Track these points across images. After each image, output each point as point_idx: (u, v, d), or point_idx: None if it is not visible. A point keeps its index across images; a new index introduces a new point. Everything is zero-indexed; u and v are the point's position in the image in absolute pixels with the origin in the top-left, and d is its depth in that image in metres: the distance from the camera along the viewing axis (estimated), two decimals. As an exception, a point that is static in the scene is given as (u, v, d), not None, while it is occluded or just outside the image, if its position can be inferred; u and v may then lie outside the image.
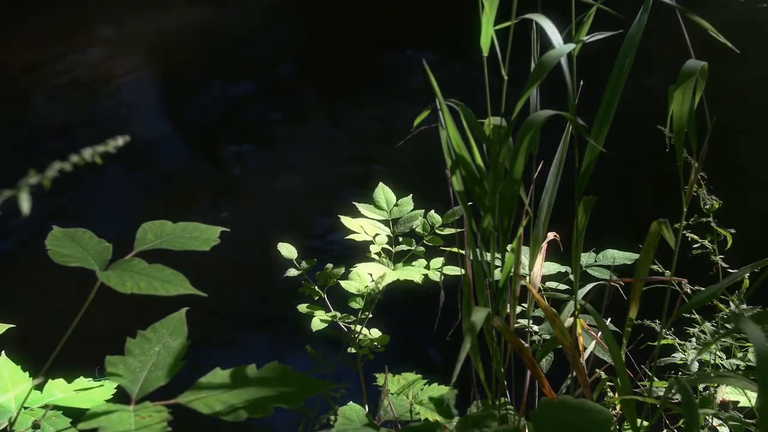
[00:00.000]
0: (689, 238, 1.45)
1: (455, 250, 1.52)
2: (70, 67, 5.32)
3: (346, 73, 5.40)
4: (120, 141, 0.68)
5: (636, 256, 1.43)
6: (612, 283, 1.43)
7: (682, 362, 1.49)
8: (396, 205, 1.72)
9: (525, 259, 1.45)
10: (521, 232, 1.21)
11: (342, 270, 1.68)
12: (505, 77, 1.17)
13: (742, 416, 1.31)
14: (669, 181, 1.30)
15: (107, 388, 1.27)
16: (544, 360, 1.50)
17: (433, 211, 1.71)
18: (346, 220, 1.70)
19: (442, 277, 1.58)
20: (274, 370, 1.01)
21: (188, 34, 5.84)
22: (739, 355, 1.46)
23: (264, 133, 4.72)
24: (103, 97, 5.03)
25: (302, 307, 1.68)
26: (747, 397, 1.46)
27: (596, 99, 1.18)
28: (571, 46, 1.10)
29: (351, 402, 1.41)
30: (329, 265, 1.69)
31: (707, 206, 1.40)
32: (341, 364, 1.56)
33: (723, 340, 1.47)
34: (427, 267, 1.66)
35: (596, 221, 1.35)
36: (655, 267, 1.44)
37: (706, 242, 1.45)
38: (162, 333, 1.07)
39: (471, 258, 1.22)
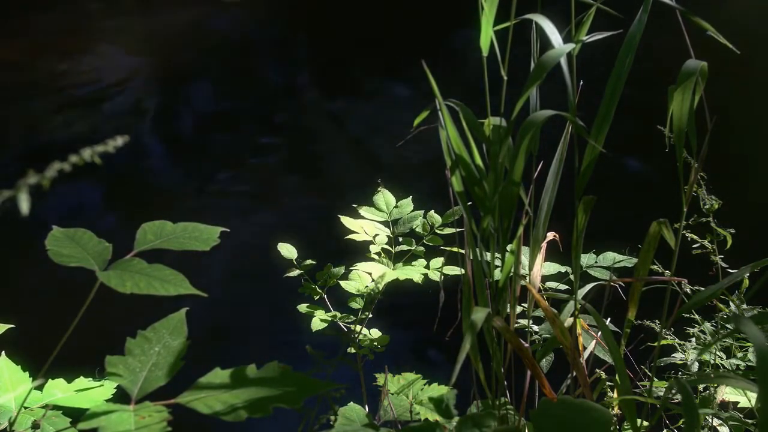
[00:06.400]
0: (689, 238, 1.45)
1: (455, 250, 1.52)
2: (72, 66, 5.32)
3: (346, 73, 5.40)
4: (119, 141, 0.68)
5: (635, 260, 1.43)
6: (612, 284, 1.42)
7: (682, 362, 1.49)
8: (396, 206, 1.73)
9: (525, 259, 1.45)
10: (521, 232, 1.21)
11: (342, 270, 1.68)
12: (505, 77, 1.17)
13: (742, 416, 1.31)
14: (669, 181, 1.30)
15: (107, 388, 1.26)
16: (544, 360, 1.50)
17: (432, 212, 1.71)
18: (347, 221, 1.70)
19: (442, 277, 1.58)
20: (274, 370, 1.01)
21: (191, 33, 5.84)
22: (739, 355, 1.46)
23: (264, 133, 4.72)
24: (105, 95, 5.03)
25: (302, 307, 1.68)
26: (747, 397, 1.46)
27: (596, 99, 1.18)
28: (570, 46, 1.10)
29: (351, 402, 1.41)
30: (329, 265, 1.69)
31: (707, 206, 1.40)
32: (341, 364, 1.56)
33: (723, 340, 1.47)
34: (427, 267, 1.66)
35: (596, 221, 1.35)
36: (655, 267, 1.44)
37: (706, 242, 1.45)
38: (162, 333, 1.07)
39: (471, 258, 1.22)
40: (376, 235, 1.69)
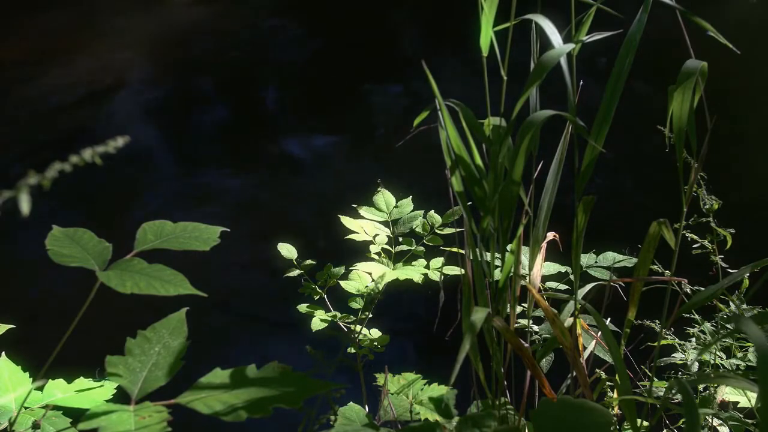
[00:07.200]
0: (689, 238, 1.45)
1: (455, 250, 1.52)
2: (74, 65, 5.32)
3: (348, 72, 5.40)
4: (120, 142, 0.68)
5: (635, 260, 1.43)
6: (612, 284, 1.42)
7: (682, 362, 1.49)
8: (396, 206, 1.73)
9: (525, 259, 1.45)
10: (521, 232, 1.21)
11: (342, 270, 1.68)
12: (505, 77, 1.17)
13: (742, 416, 1.31)
14: (669, 181, 1.30)
15: (107, 388, 1.26)
16: (544, 360, 1.50)
17: (432, 212, 1.71)
18: (347, 221, 1.70)
19: (442, 277, 1.58)
20: (274, 370, 1.01)
21: (193, 31, 5.84)
22: (739, 355, 1.46)
23: (265, 133, 4.72)
24: (106, 95, 5.03)
25: (302, 307, 1.68)
26: (747, 397, 1.46)
27: (596, 99, 1.18)
28: (570, 46, 1.10)
29: (351, 402, 1.41)
30: (329, 265, 1.69)
31: (707, 206, 1.40)
32: (341, 364, 1.56)
33: (723, 340, 1.47)
34: (427, 267, 1.66)
35: (596, 222, 1.35)
36: (655, 267, 1.44)
37: (706, 242, 1.45)
38: (162, 333, 1.07)
39: (471, 258, 1.22)
40: (376, 235, 1.69)
